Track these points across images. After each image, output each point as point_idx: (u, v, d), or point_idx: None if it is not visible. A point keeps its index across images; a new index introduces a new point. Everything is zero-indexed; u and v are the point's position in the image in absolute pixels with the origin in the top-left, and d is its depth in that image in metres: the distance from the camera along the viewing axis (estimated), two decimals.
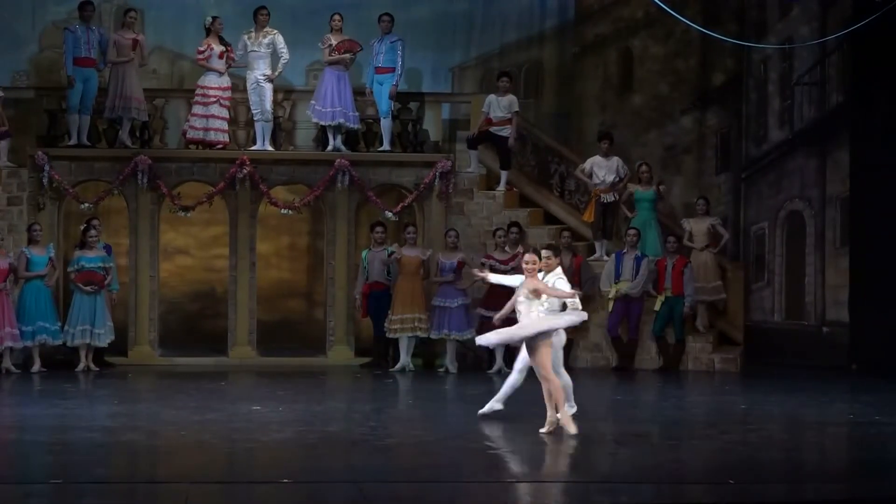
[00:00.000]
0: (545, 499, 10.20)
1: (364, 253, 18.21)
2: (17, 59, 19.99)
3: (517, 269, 17.54)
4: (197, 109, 18.50)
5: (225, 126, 18.68)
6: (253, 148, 18.71)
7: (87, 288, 17.34)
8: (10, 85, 19.33)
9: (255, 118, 18.74)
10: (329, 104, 18.57)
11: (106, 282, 17.50)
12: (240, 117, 19.18)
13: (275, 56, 18.61)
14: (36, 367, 17.12)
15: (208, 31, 18.63)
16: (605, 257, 18.59)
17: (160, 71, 20.20)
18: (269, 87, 18.58)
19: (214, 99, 18.49)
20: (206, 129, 18.49)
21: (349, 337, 18.49)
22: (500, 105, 18.89)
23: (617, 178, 18.75)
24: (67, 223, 18.74)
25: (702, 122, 20.47)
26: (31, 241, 17.31)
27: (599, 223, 18.77)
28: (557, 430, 12.41)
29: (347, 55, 18.69)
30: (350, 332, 18.49)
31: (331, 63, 18.70)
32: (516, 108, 18.89)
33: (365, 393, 16.18)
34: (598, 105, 20.83)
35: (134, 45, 18.47)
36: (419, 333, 17.81)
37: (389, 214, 18.56)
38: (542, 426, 12.47)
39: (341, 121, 18.61)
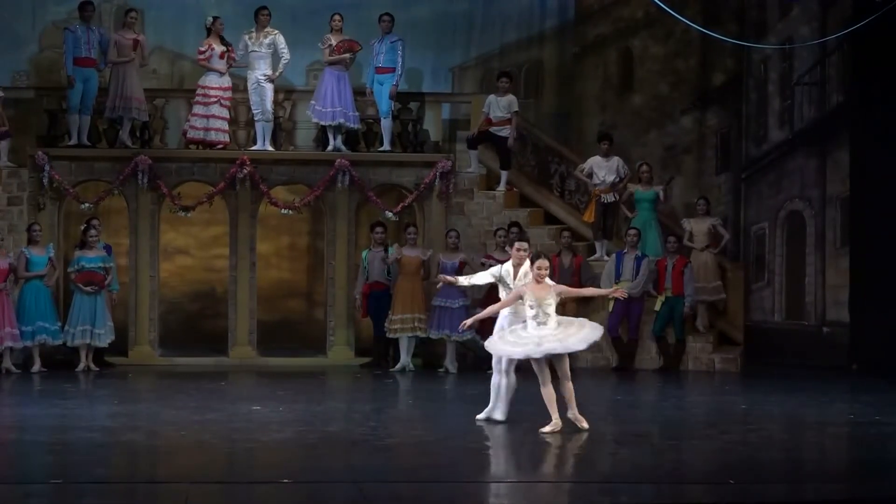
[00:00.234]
0: (545, 499, 10.20)
1: (364, 253, 18.22)
2: (17, 59, 19.99)
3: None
4: (197, 109, 18.51)
5: (225, 126, 18.68)
6: (253, 148, 18.71)
7: (88, 288, 17.35)
8: (10, 85, 19.34)
9: (255, 118, 18.74)
10: (329, 104, 18.57)
11: (106, 282, 17.50)
12: (240, 117, 19.19)
13: (275, 56, 18.61)
14: (36, 367, 17.13)
15: (209, 32, 18.64)
16: (606, 257, 18.60)
17: (160, 71, 20.20)
18: (269, 87, 18.59)
19: (215, 99, 18.50)
20: (207, 129, 18.50)
21: (349, 337, 18.49)
22: (499, 105, 18.89)
23: (617, 179, 18.76)
24: (67, 223, 18.75)
25: (702, 122, 20.47)
26: (31, 242, 17.31)
27: (600, 223, 18.77)
28: (562, 430, 12.45)
29: (347, 55, 18.69)
30: (350, 332, 18.50)
31: (331, 63, 18.71)
32: (516, 108, 18.89)
33: (365, 393, 16.18)
34: (598, 105, 20.83)
35: (135, 46, 18.47)
36: (419, 333, 17.82)
37: (389, 214, 18.56)
38: (544, 426, 12.51)
39: (341, 121, 18.62)
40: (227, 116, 18.72)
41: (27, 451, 11.85)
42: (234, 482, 10.49)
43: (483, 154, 19.27)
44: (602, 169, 18.75)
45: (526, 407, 13.14)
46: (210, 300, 19.76)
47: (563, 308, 13.31)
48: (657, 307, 18.25)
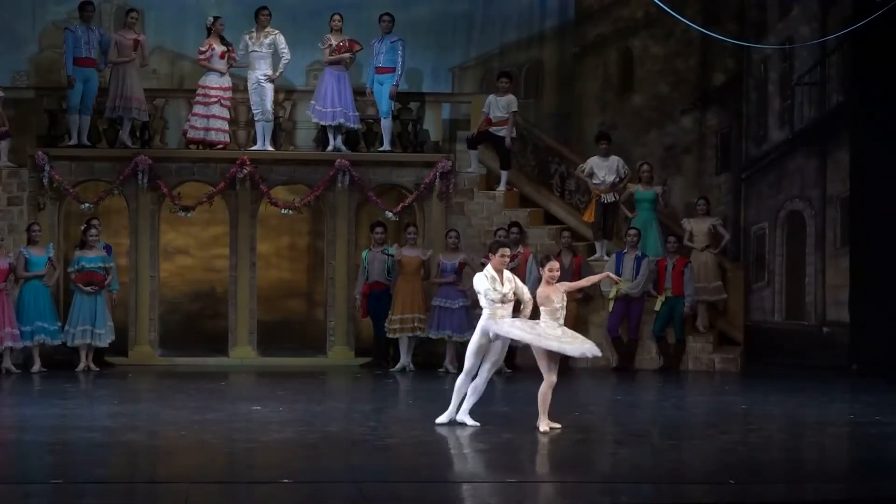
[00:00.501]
0: (545, 499, 10.20)
1: (364, 253, 18.21)
2: (17, 59, 19.99)
3: (518, 269, 17.68)
4: (198, 109, 18.51)
5: (226, 126, 18.69)
6: (253, 148, 18.72)
7: (88, 288, 17.35)
8: (10, 85, 19.34)
9: (255, 118, 18.74)
10: (329, 104, 18.58)
11: (106, 282, 17.50)
12: (240, 117, 19.19)
13: (276, 56, 18.62)
14: (36, 367, 17.13)
15: (209, 32, 18.64)
16: (606, 257, 18.60)
17: (160, 71, 20.20)
18: (269, 87, 18.59)
19: (215, 99, 18.50)
20: (207, 129, 18.51)
21: (349, 337, 18.49)
22: (499, 105, 18.90)
23: (617, 179, 18.76)
24: (67, 223, 18.75)
25: (702, 122, 20.47)
26: (31, 242, 17.32)
27: (600, 223, 18.77)
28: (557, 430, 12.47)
29: (347, 55, 18.70)
30: (350, 332, 18.49)
31: (331, 63, 18.71)
32: (514, 108, 18.89)
33: (365, 393, 16.18)
34: (598, 105, 20.83)
35: (135, 46, 18.48)
36: (419, 333, 17.82)
37: (389, 214, 18.57)
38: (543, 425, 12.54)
39: (341, 121, 18.62)
40: (228, 116, 18.73)
41: (27, 451, 11.85)
42: (234, 482, 10.49)
43: (483, 154, 19.28)
44: (602, 169, 18.74)
45: (526, 407, 13.14)
46: (210, 300, 19.77)
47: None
48: (657, 307, 18.25)
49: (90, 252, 17.47)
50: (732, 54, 20.19)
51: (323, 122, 18.72)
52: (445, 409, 13.04)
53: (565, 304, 12.64)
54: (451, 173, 18.66)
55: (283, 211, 18.54)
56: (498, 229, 18.10)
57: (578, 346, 12.53)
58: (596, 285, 17.97)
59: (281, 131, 19.24)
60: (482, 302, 12.77)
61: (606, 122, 20.48)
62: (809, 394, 15.82)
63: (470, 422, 12.84)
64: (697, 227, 18.90)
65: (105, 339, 17.46)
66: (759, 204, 20.00)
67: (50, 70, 19.82)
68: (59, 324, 17.35)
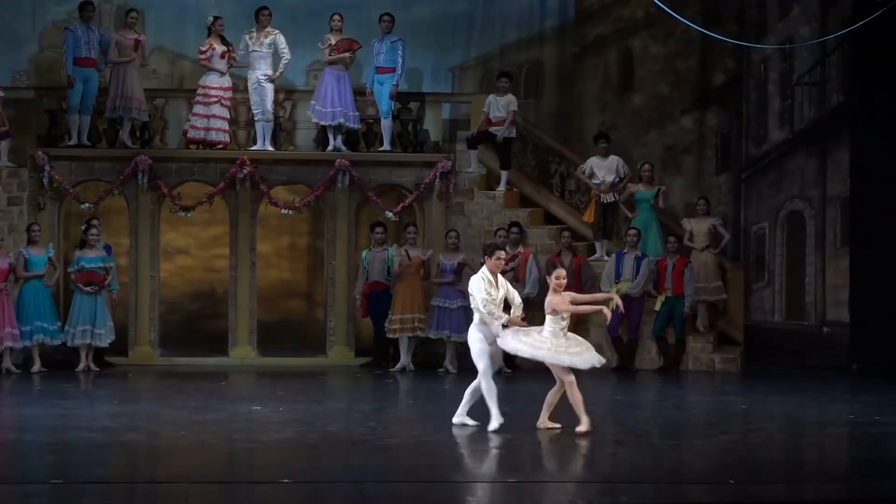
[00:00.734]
0: (545, 499, 10.20)
1: (364, 253, 18.21)
2: (17, 59, 19.99)
3: (518, 269, 17.69)
4: (198, 109, 18.51)
5: (226, 126, 18.69)
6: (253, 148, 18.72)
7: (88, 288, 17.35)
8: (10, 85, 19.35)
9: (255, 118, 18.75)
10: (329, 104, 18.58)
11: (106, 282, 17.51)
12: (240, 117, 19.19)
13: (276, 56, 18.62)
14: (36, 367, 17.13)
15: (210, 31, 18.65)
16: (606, 257, 18.60)
17: (160, 71, 20.20)
18: (270, 87, 18.59)
19: (216, 99, 18.51)
20: (208, 129, 18.51)
21: (349, 337, 18.49)
22: (499, 105, 18.90)
23: (617, 178, 18.76)
24: (67, 223, 18.75)
25: (702, 122, 20.47)
26: (31, 242, 17.33)
27: (600, 223, 18.77)
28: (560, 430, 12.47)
29: (347, 54, 18.70)
30: (350, 332, 18.50)
31: (330, 63, 18.71)
32: (514, 107, 18.88)
33: (365, 393, 16.18)
34: (598, 105, 20.83)
35: (136, 46, 18.48)
36: (419, 333, 17.82)
37: (389, 214, 18.57)
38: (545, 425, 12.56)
39: (341, 121, 18.62)
40: (228, 116, 18.73)
41: (27, 451, 11.85)
42: (234, 482, 10.49)
43: (483, 154, 19.28)
44: (601, 169, 18.74)
45: (526, 407, 13.14)
46: (210, 300, 19.77)
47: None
48: (657, 307, 18.25)
49: (90, 252, 17.47)
50: (732, 54, 20.20)
51: (323, 122, 18.73)
52: (445, 409, 13.05)
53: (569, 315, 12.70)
54: (451, 173, 18.66)
55: (283, 211, 18.54)
56: (498, 229, 18.10)
57: (588, 357, 12.65)
58: (596, 286, 18.04)
59: (281, 131, 19.25)
60: (472, 304, 12.79)
61: (606, 122, 20.48)
62: (809, 394, 15.82)
63: (470, 422, 12.84)
64: (697, 227, 18.90)
65: (105, 339, 17.46)
66: (759, 204, 20.01)
67: (50, 70, 19.82)
68: (59, 324, 17.36)
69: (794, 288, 19.64)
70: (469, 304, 17.52)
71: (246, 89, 18.71)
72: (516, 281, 17.37)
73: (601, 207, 18.71)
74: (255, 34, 18.64)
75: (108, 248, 17.93)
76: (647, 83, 20.65)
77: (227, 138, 18.71)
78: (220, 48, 18.56)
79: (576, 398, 12.54)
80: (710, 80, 20.51)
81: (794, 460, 12.10)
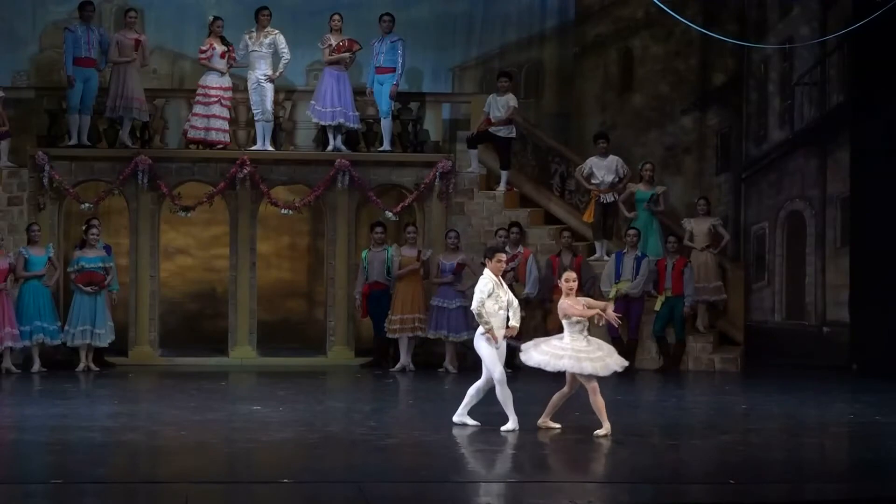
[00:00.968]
0: (545, 499, 10.19)
1: (364, 253, 18.21)
2: (17, 59, 19.99)
3: (518, 269, 17.69)
4: (198, 109, 18.52)
5: (226, 126, 18.70)
6: (253, 148, 18.72)
7: (88, 288, 17.35)
8: (10, 85, 19.34)
9: (255, 118, 18.75)
10: (329, 104, 18.58)
11: (106, 282, 17.51)
12: (240, 117, 19.19)
13: (276, 56, 18.62)
14: (36, 367, 17.13)
15: (210, 31, 18.65)
16: (606, 257, 18.60)
17: (160, 71, 20.20)
18: (270, 87, 18.60)
19: (216, 99, 18.51)
20: (208, 129, 18.51)
21: (349, 337, 18.49)
22: (499, 105, 18.91)
23: (616, 178, 18.75)
24: (67, 223, 18.76)
25: (702, 122, 20.47)
26: (31, 242, 17.33)
27: (599, 223, 18.77)
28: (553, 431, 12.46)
29: (347, 54, 18.70)
30: (350, 332, 18.49)
31: (330, 63, 18.71)
32: (513, 104, 18.87)
33: (365, 393, 16.18)
34: (598, 105, 20.83)
35: (136, 46, 18.49)
36: (419, 334, 17.82)
37: (390, 214, 18.57)
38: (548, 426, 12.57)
39: (341, 121, 18.62)
40: (228, 116, 18.73)
41: (27, 451, 11.85)
42: (234, 482, 10.49)
43: (483, 154, 19.28)
44: (601, 169, 18.74)
45: (525, 407, 13.13)
46: (210, 300, 19.76)
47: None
48: (657, 307, 18.25)
49: (90, 252, 17.47)
50: (732, 54, 20.20)
51: (323, 122, 18.73)
52: (445, 409, 13.04)
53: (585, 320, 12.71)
54: (451, 173, 18.66)
55: (283, 211, 18.54)
56: (498, 229, 18.11)
57: (609, 363, 12.67)
58: (596, 286, 18.04)
59: (281, 131, 19.25)
60: (473, 306, 12.77)
61: (606, 122, 20.48)
62: (809, 394, 15.83)
63: (470, 422, 12.84)
64: (697, 227, 18.89)
65: (105, 339, 17.46)
66: (759, 204, 20.01)
67: (50, 70, 19.81)
68: (59, 324, 17.36)
69: (794, 288, 19.64)
70: (467, 305, 17.68)
71: (246, 89, 18.71)
72: (516, 281, 17.39)
73: (601, 207, 18.71)
74: (254, 34, 18.64)
75: (108, 248, 17.93)
76: (647, 83, 20.65)
77: (227, 138, 18.72)
78: (220, 48, 18.56)
79: (598, 404, 12.57)
80: (710, 80, 20.50)
81: (794, 460, 12.09)
